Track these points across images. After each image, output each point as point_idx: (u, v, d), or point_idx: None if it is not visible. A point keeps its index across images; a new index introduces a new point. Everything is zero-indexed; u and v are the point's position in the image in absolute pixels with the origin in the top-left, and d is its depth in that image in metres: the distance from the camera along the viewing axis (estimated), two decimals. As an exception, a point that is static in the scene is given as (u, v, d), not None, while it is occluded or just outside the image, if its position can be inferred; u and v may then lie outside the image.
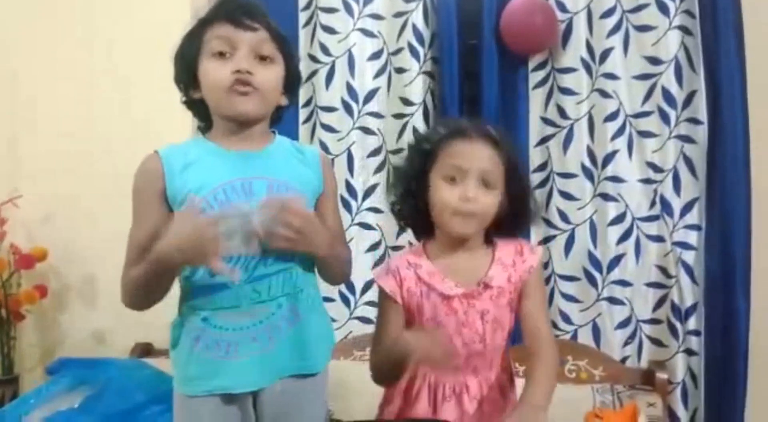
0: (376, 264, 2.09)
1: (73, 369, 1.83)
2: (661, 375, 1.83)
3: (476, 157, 1.15)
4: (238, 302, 1.09)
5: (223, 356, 1.10)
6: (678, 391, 1.88)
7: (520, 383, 1.19)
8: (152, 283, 1.06)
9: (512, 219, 1.21)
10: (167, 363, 1.88)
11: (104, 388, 1.75)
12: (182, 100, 1.18)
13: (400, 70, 2.04)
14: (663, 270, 1.93)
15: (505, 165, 1.17)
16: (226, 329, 1.10)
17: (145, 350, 2.09)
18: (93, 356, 1.97)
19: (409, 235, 2.01)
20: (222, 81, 1.08)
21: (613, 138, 1.93)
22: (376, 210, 2.08)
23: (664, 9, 1.88)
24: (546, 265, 1.99)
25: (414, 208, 1.21)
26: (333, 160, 2.07)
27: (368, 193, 2.09)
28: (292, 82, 1.18)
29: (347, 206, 2.07)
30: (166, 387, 1.70)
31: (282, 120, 1.23)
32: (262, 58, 1.11)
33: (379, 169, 2.09)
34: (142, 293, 1.08)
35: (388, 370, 1.19)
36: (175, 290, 1.15)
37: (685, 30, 1.88)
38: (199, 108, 1.17)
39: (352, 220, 2.08)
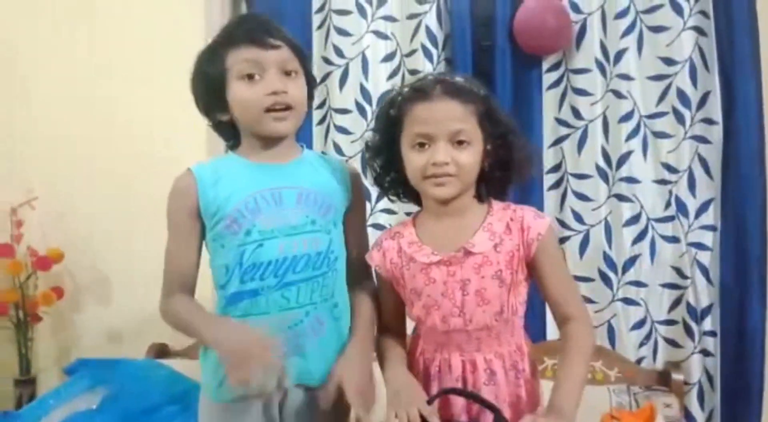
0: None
1: (91, 369, 1.86)
2: (677, 376, 1.83)
3: (441, 118, 1.06)
4: (268, 309, 1.11)
5: None
6: (694, 392, 1.88)
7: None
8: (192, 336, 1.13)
9: (501, 170, 1.12)
10: (182, 363, 1.91)
11: (121, 388, 1.77)
12: (208, 124, 1.19)
13: (413, 72, 2.03)
14: (678, 271, 1.92)
15: (478, 115, 1.08)
16: None
17: (161, 351, 2.10)
18: (109, 357, 1.98)
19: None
20: (258, 103, 1.09)
21: (628, 139, 1.93)
22: (389, 211, 2.09)
23: (678, 9, 1.87)
24: (561, 266, 1.99)
25: (395, 180, 1.16)
26: (346, 161, 2.08)
27: (382, 194, 2.08)
28: (310, 89, 1.20)
29: (361, 207, 2.08)
30: (182, 387, 1.73)
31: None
32: (287, 73, 1.12)
33: (392, 171, 2.09)
34: (182, 331, 1.14)
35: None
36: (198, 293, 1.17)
37: (699, 30, 1.87)
38: (226, 129, 1.18)
39: (366, 222, 2.08)
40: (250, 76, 1.10)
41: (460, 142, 1.06)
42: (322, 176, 1.18)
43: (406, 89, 1.12)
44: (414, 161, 1.08)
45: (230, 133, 1.18)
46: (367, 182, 2.01)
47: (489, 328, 1.11)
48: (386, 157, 1.14)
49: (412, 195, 1.17)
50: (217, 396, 1.14)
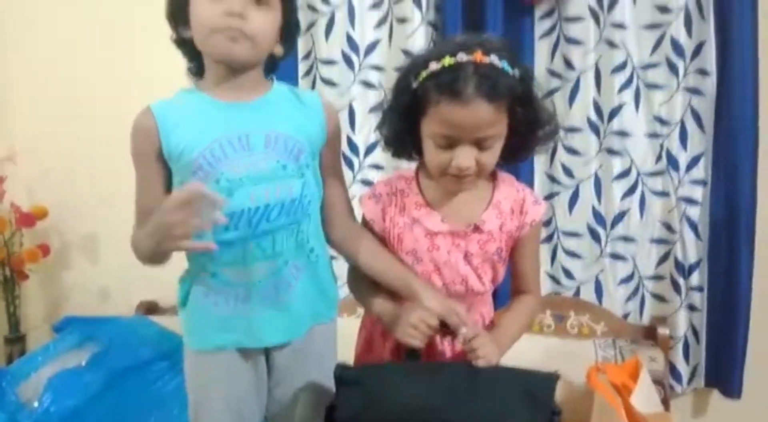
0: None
1: (80, 326, 1.86)
2: (663, 331, 1.85)
3: (471, 124, 1.00)
4: (245, 259, 1.09)
5: (232, 312, 1.11)
6: (679, 346, 1.89)
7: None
8: (150, 255, 1.07)
9: (514, 153, 1.11)
10: (172, 320, 1.91)
11: (110, 345, 1.78)
12: (172, 38, 1.13)
13: (401, 20, 1.97)
14: (667, 226, 1.91)
15: (509, 105, 1.03)
16: (233, 285, 1.10)
17: (150, 307, 2.10)
18: (98, 314, 1.99)
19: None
20: (211, 21, 1.03)
21: (620, 90, 1.88)
22: (378, 166, 2.06)
23: (674, -45, 1.80)
24: (549, 222, 1.97)
25: (406, 146, 1.13)
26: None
27: (370, 149, 2.05)
28: (289, 32, 1.13)
29: (349, 163, 2.05)
30: (171, 344, 1.74)
31: (278, 70, 1.19)
32: (258, 1, 1.04)
33: (380, 125, 2.05)
34: (146, 259, 1.09)
35: (366, 287, 1.18)
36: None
37: (695, -23, 1.81)
38: (189, 48, 1.12)
39: (354, 177, 2.06)
40: None
41: (483, 147, 1.04)
42: (292, 115, 1.12)
43: (434, 64, 1.02)
44: (434, 157, 1.05)
45: (193, 53, 1.12)
46: (356, 137, 2.03)
47: (483, 293, 1.17)
48: (402, 129, 1.09)
49: (419, 156, 1.14)
50: (199, 344, 1.14)
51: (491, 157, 1.05)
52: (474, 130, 1.01)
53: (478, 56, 1.00)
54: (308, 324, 1.17)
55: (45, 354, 1.79)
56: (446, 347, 1.18)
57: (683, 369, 1.90)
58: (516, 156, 1.12)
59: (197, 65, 1.14)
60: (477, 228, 1.11)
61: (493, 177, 1.14)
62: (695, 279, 1.89)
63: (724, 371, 1.87)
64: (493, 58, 1.01)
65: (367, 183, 2.06)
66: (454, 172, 1.04)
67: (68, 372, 1.70)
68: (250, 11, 1.03)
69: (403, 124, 1.08)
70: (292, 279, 1.12)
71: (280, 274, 1.11)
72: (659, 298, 1.94)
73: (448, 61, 1.01)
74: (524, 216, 1.13)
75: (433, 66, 1.02)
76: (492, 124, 1.02)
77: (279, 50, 1.13)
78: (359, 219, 1.23)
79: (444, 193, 1.13)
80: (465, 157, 1.02)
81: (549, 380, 1.05)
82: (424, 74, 1.03)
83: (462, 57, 1.01)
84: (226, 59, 1.07)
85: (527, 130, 1.08)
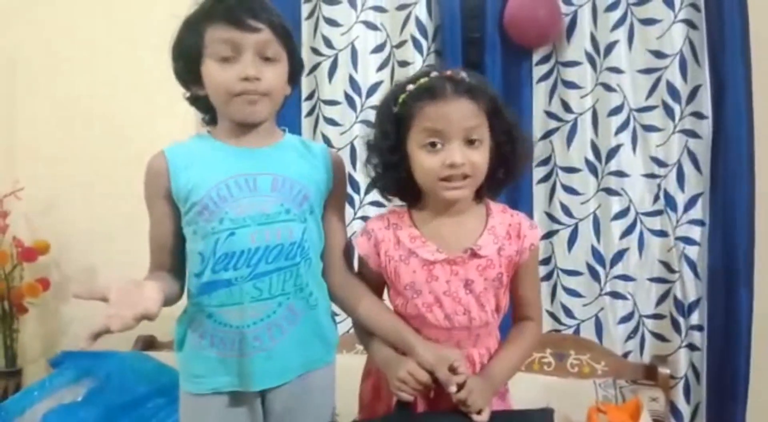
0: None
1: (77, 361, 1.85)
2: (664, 370, 1.84)
3: (456, 117, 1.03)
4: (241, 299, 1.08)
5: (227, 354, 1.10)
6: (680, 386, 1.88)
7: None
8: None
9: (502, 167, 1.11)
10: (170, 355, 1.90)
11: (107, 381, 1.77)
12: (185, 96, 1.16)
13: (403, 64, 2.02)
14: (666, 265, 1.92)
15: (487, 113, 1.06)
16: (230, 326, 1.09)
17: (148, 343, 2.09)
18: (95, 349, 1.96)
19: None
20: (228, 87, 1.06)
21: (617, 132, 1.92)
22: (378, 204, 2.08)
23: (669, 2, 1.86)
24: (549, 260, 1.99)
25: (396, 180, 1.11)
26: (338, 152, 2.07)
27: (371, 186, 2.07)
28: (295, 73, 1.16)
29: (350, 200, 2.07)
30: (168, 380, 1.73)
31: (283, 108, 1.21)
32: (266, 59, 1.08)
33: (381, 163, 2.08)
34: None
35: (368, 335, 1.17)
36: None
37: (690, 24, 1.86)
38: (202, 103, 1.15)
39: (355, 214, 2.08)
40: (225, 59, 1.06)
41: (472, 142, 1.05)
42: (300, 163, 1.15)
43: (410, 86, 1.07)
44: (426, 163, 1.05)
45: (207, 107, 1.15)
46: (357, 175, 2.06)
47: (488, 324, 1.13)
48: (389, 156, 1.09)
49: (411, 194, 1.14)
50: (195, 387, 1.13)
51: (481, 156, 1.06)
52: (460, 121, 1.03)
53: (451, 73, 1.08)
54: (303, 367, 1.15)
55: (41, 389, 1.77)
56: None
57: (684, 409, 1.89)
58: (503, 178, 1.13)
59: (212, 117, 1.17)
60: (474, 254, 1.09)
61: (486, 205, 1.15)
62: (695, 318, 1.89)
63: (726, 411, 1.86)
64: (464, 75, 1.08)
65: (367, 219, 2.07)
66: (447, 173, 1.04)
67: (64, 408, 1.68)
68: (262, 70, 1.06)
69: (390, 148, 1.08)
70: (286, 323, 1.11)
71: (274, 316, 1.10)
72: (659, 337, 1.94)
73: (423, 80, 1.08)
74: (522, 241, 1.12)
75: (410, 87, 1.08)
76: (475, 115, 1.04)
77: (288, 91, 1.16)
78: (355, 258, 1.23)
79: (438, 223, 1.11)
80: (456, 152, 1.03)
81: (544, 416, 1.05)
82: (402, 96, 1.07)
83: (435, 74, 1.08)
84: (248, 121, 1.10)
85: (508, 142, 1.09)
